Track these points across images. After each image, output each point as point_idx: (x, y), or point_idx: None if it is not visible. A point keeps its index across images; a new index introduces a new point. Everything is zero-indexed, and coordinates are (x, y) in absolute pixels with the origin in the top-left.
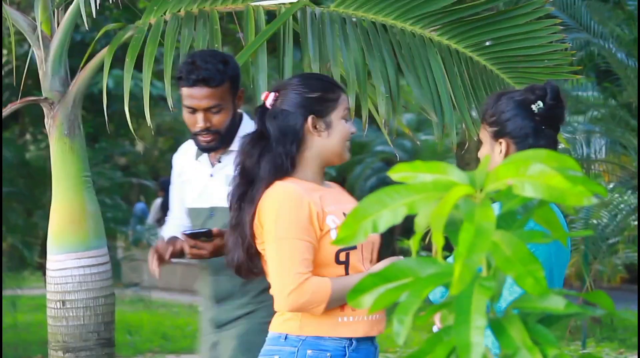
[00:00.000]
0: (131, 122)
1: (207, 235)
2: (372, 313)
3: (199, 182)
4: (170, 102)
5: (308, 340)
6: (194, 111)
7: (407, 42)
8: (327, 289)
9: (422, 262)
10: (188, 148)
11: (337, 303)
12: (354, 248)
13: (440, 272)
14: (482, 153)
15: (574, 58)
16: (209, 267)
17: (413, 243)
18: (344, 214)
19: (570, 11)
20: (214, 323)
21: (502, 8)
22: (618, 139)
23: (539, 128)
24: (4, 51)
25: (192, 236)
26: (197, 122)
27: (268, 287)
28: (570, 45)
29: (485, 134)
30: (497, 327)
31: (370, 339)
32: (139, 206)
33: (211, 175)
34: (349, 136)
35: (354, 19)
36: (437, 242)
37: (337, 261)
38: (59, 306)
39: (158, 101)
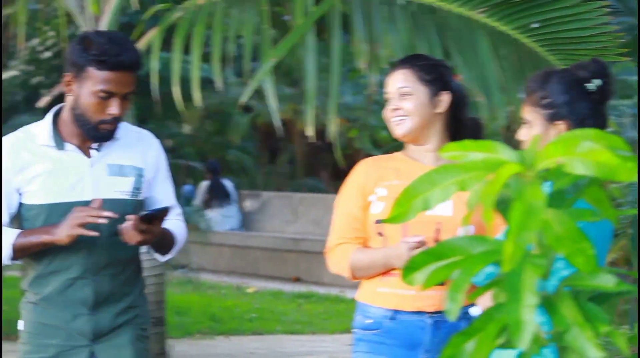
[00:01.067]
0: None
1: (164, 215)
2: (425, 289)
3: (73, 173)
4: (220, 83)
5: (360, 305)
6: (109, 96)
7: (454, 24)
8: (347, 259)
9: (472, 240)
10: (22, 140)
11: (363, 273)
12: (380, 220)
13: (490, 250)
14: (531, 135)
15: (622, 40)
16: (87, 266)
17: (463, 221)
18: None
19: None
20: (88, 334)
21: None
22: None
23: (595, 107)
24: (51, 33)
25: (148, 218)
26: (110, 108)
27: (144, 287)
28: (618, 27)
29: (535, 116)
30: (548, 304)
31: (418, 313)
32: (187, 188)
33: (109, 165)
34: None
35: (401, 1)
36: (488, 220)
37: (377, 234)
38: None
39: (205, 83)
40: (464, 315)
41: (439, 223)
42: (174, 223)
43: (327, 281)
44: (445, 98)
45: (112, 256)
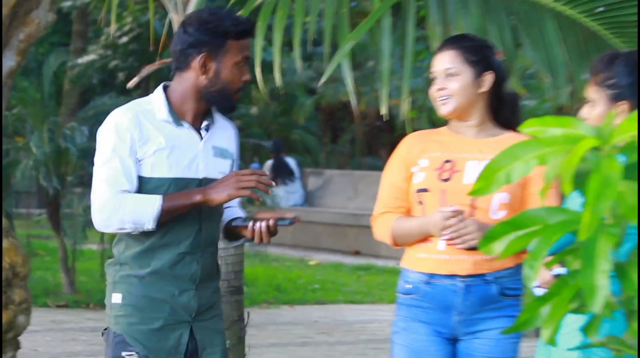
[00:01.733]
0: (247, 87)
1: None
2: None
3: (189, 151)
4: (299, 64)
5: (403, 271)
6: (246, 62)
7: (523, 8)
8: (389, 227)
9: (550, 211)
10: (143, 113)
11: (403, 240)
12: (426, 190)
13: (567, 220)
14: (595, 113)
15: None
16: (196, 242)
17: (542, 193)
18: (448, 161)
19: None
20: (191, 310)
21: None
22: None
23: None
24: (129, 19)
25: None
26: (244, 75)
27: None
28: None
29: (600, 95)
30: (620, 270)
31: (451, 277)
32: (254, 165)
33: (213, 147)
34: None
35: None
36: (567, 191)
37: (418, 203)
38: None
39: (271, 66)
40: (496, 280)
41: None
42: (237, 210)
43: (384, 254)
44: (488, 78)
45: (213, 235)
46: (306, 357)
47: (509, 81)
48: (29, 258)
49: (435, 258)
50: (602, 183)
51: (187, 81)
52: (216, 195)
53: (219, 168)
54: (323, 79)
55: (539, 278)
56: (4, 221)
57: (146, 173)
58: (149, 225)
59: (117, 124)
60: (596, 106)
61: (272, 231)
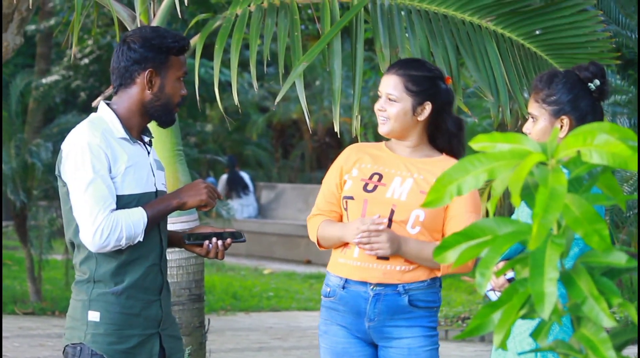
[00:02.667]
0: (202, 105)
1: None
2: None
3: (144, 166)
4: (255, 84)
5: (327, 274)
6: (184, 77)
7: (466, 31)
8: (316, 229)
9: (500, 222)
10: (108, 132)
11: (326, 243)
12: (351, 198)
13: (516, 230)
14: (537, 129)
15: (612, 46)
16: (159, 253)
17: (490, 206)
18: (375, 173)
19: (601, 6)
20: (158, 320)
21: (550, 0)
22: None
23: (594, 105)
24: (90, 41)
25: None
26: (182, 90)
27: None
28: (611, 33)
29: (542, 111)
30: (567, 278)
31: (363, 284)
32: (210, 179)
33: (155, 160)
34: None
35: (418, 10)
36: (515, 203)
37: (344, 209)
38: None
39: (225, 86)
40: (406, 291)
41: (394, 205)
42: None
43: None
44: (427, 108)
45: (166, 244)
46: None
47: (452, 106)
48: None
49: (350, 264)
50: (549, 196)
51: (132, 96)
52: (190, 199)
53: (161, 180)
54: (278, 98)
55: (492, 283)
56: None
57: (117, 191)
58: (140, 238)
59: (90, 144)
60: (538, 122)
61: (226, 248)
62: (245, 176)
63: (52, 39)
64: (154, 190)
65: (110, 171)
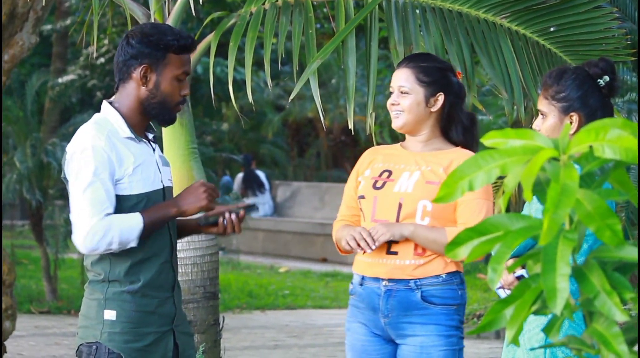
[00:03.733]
0: (217, 104)
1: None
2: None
3: (151, 164)
4: (269, 82)
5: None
6: (185, 77)
7: (481, 28)
8: (335, 234)
9: (512, 217)
10: (113, 133)
11: (341, 247)
12: (363, 197)
13: (528, 226)
14: (547, 125)
15: (627, 42)
16: (170, 250)
17: (502, 202)
18: (385, 171)
19: (617, 3)
20: (172, 317)
21: None
22: None
23: (604, 101)
24: (106, 41)
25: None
26: (184, 90)
27: None
28: (626, 30)
29: (551, 108)
30: (579, 274)
31: (376, 280)
32: (225, 178)
33: (160, 156)
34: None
35: (433, 7)
36: (527, 198)
37: (360, 210)
38: None
39: (241, 85)
40: (417, 287)
41: (401, 199)
42: None
43: (350, 261)
44: (440, 99)
45: (176, 240)
46: None
47: (465, 100)
48: (14, 267)
49: (365, 261)
50: (560, 191)
51: (130, 93)
52: (189, 207)
53: (167, 176)
54: (292, 96)
55: (502, 280)
56: None
57: (126, 191)
58: (134, 243)
59: (94, 146)
60: (548, 118)
61: (241, 221)
62: (261, 174)
63: (68, 38)
64: (161, 187)
65: (114, 175)
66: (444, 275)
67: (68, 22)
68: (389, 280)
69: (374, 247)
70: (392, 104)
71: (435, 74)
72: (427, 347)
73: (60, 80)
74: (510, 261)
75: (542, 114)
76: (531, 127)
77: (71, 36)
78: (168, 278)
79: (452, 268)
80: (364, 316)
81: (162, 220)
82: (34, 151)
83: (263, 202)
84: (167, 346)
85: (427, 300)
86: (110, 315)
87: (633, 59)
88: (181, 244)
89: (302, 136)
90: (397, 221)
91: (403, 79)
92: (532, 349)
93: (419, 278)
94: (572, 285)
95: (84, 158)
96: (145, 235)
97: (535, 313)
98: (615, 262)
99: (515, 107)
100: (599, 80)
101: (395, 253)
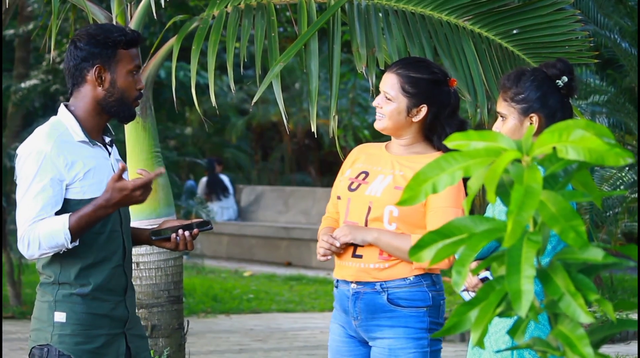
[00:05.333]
0: (180, 108)
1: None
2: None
3: (105, 168)
4: (233, 88)
5: None
6: (137, 71)
7: (443, 31)
8: (319, 230)
9: (476, 220)
10: (65, 136)
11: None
12: (339, 197)
13: (492, 228)
14: (507, 127)
15: (590, 44)
16: (123, 253)
17: (466, 204)
18: (362, 172)
19: (580, 6)
20: (124, 320)
21: (527, 0)
22: (622, 119)
23: (563, 102)
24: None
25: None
26: (138, 83)
27: None
28: (588, 33)
29: (510, 110)
30: (543, 276)
31: (346, 283)
32: (189, 183)
33: (117, 160)
34: None
35: (396, 10)
36: (491, 200)
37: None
38: (133, 268)
39: (204, 89)
40: (384, 289)
41: (371, 202)
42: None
43: (315, 265)
44: (422, 110)
45: (130, 246)
46: None
47: (458, 107)
48: None
49: (337, 263)
50: (524, 193)
51: (86, 95)
52: (116, 194)
53: None
54: (255, 99)
55: (466, 283)
56: None
57: (78, 196)
58: (68, 244)
59: (39, 151)
60: (507, 120)
61: (194, 238)
62: (225, 178)
63: (30, 43)
64: None
65: (63, 179)
66: (411, 278)
67: (31, 26)
68: (357, 282)
69: (338, 244)
70: (376, 106)
71: (422, 86)
72: (396, 349)
73: (22, 85)
74: (474, 264)
75: (501, 116)
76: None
77: (34, 40)
78: (120, 282)
79: (421, 271)
80: (340, 317)
81: (91, 214)
82: None
83: (227, 206)
84: (118, 349)
85: (393, 302)
86: (60, 317)
87: (596, 61)
88: (145, 248)
89: (266, 140)
90: (366, 224)
91: (389, 85)
92: (497, 351)
93: (384, 281)
94: (537, 286)
95: (29, 164)
96: (80, 233)
97: (500, 315)
98: (579, 264)
99: (478, 109)
100: (557, 81)
101: (360, 256)
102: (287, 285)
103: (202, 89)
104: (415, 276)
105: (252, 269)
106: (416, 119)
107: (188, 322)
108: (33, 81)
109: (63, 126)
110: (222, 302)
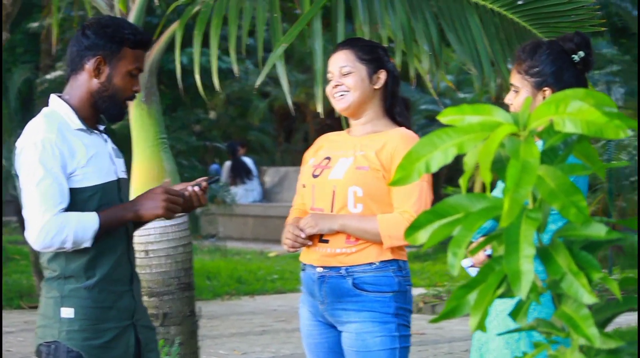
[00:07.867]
0: (204, 93)
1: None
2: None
3: (104, 155)
4: (237, 71)
5: None
6: (138, 74)
7: (447, 4)
8: (286, 221)
9: (472, 198)
10: (64, 125)
11: None
12: (303, 186)
13: (489, 206)
14: (520, 100)
15: (598, 13)
16: (126, 243)
17: (462, 181)
18: (325, 158)
19: None
20: (132, 311)
21: None
22: (635, 87)
23: (578, 76)
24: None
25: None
26: (135, 86)
27: None
28: (594, 1)
29: (524, 83)
30: (544, 254)
31: (312, 267)
32: (213, 167)
33: (112, 147)
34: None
35: None
36: (485, 178)
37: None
38: (142, 256)
39: (227, 73)
40: (349, 274)
41: (334, 186)
42: None
43: None
44: (382, 76)
45: (132, 231)
46: (265, 345)
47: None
48: None
49: (306, 249)
50: (521, 168)
51: (81, 84)
52: (146, 213)
53: (121, 167)
54: (259, 81)
55: (473, 259)
56: None
57: (79, 184)
58: (87, 243)
59: (44, 140)
60: (520, 93)
61: (205, 192)
62: (248, 161)
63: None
64: (116, 178)
65: (67, 168)
66: (377, 263)
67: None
68: (323, 267)
69: (303, 235)
70: (335, 86)
71: (374, 52)
72: (362, 333)
73: (48, 76)
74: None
75: (514, 88)
76: (503, 102)
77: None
78: (125, 271)
79: (389, 256)
80: (308, 301)
81: (118, 222)
82: None
83: (252, 188)
84: (128, 341)
85: (359, 287)
86: (67, 312)
87: (603, 29)
88: (154, 236)
89: (289, 121)
90: (332, 209)
91: (343, 59)
92: (500, 334)
93: (350, 266)
94: (540, 265)
95: (35, 152)
96: (100, 236)
97: (501, 297)
98: (582, 241)
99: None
100: (573, 55)
101: (327, 241)
102: None
103: (225, 74)
104: (382, 261)
105: (276, 250)
106: (377, 85)
107: (200, 308)
108: (58, 72)
109: (59, 115)
110: (246, 283)
